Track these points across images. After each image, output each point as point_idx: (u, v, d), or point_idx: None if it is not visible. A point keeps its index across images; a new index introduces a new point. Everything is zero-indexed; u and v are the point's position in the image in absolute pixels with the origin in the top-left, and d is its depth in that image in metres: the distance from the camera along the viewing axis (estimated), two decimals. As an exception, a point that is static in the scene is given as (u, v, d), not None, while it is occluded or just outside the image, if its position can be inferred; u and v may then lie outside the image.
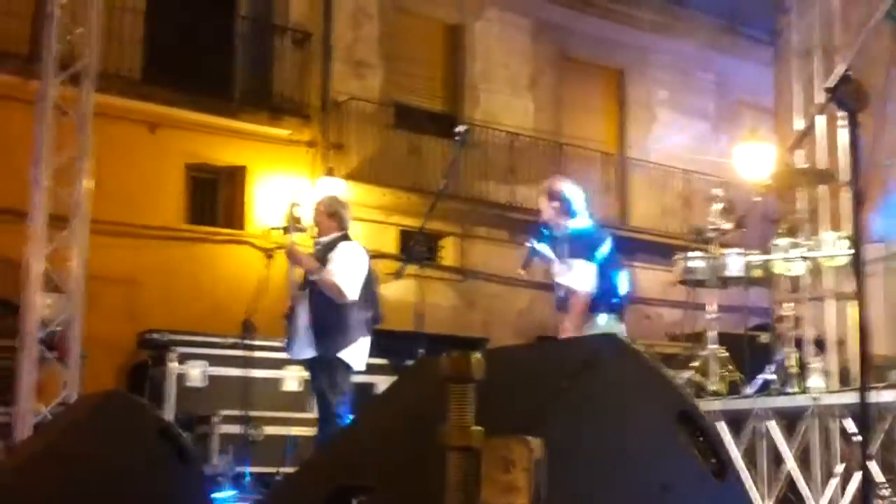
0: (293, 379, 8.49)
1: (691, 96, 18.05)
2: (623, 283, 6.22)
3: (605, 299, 6.03)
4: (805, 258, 6.53)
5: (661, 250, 14.63)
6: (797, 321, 7.04)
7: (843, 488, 5.74)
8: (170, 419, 5.26)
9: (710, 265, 6.92)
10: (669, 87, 18.10)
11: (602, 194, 17.08)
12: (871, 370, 2.91)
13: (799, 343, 6.98)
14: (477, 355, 2.01)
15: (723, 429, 5.98)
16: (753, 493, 5.69)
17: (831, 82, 2.75)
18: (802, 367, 6.41)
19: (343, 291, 6.15)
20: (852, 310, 6.77)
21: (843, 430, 5.91)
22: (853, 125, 2.74)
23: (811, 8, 8.24)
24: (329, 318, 6.17)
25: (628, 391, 2.43)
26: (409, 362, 7.83)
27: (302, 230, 6.73)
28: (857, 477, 5.44)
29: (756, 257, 6.80)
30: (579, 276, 5.91)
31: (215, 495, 6.37)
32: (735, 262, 6.89)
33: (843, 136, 6.84)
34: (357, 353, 6.25)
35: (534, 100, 16.92)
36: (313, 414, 6.87)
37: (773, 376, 6.48)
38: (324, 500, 2.52)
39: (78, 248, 7.76)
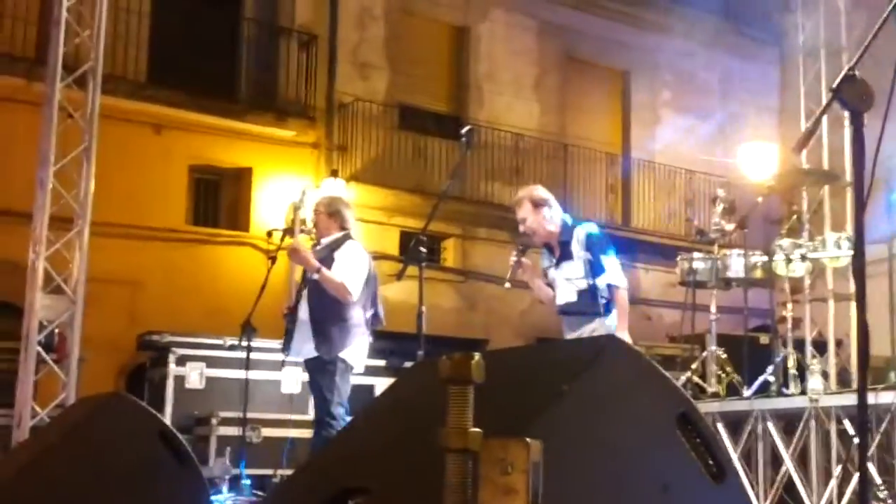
0: (292, 381, 8.48)
1: (696, 97, 18.01)
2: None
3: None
4: (806, 258, 6.53)
5: (663, 251, 14.63)
6: (797, 322, 7.04)
7: (841, 490, 5.73)
8: (168, 421, 5.25)
9: (713, 266, 6.92)
10: (674, 88, 18.07)
11: (606, 195, 17.10)
12: (868, 371, 2.89)
13: (799, 344, 6.97)
14: (476, 357, 2.01)
15: (721, 430, 5.98)
16: (751, 495, 5.68)
17: (836, 82, 2.73)
18: (802, 368, 6.40)
19: (349, 290, 6.14)
20: (853, 311, 6.76)
21: (842, 432, 5.90)
22: (857, 125, 2.72)
23: (816, 8, 8.24)
24: (330, 318, 6.16)
25: (628, 393, 2.43)
26: (409, 363, 7.83)
27: (308, 231, 6.71)
28: (855, 478, 5.43)
29: (758, 258, 6.80)
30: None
31: (213, 497, 6.36)
32: (737, 263, 6.89)
33: (848, 137, 6.83)
34: (357, 354, 6.25)
35: (539, 101, 16.89)
36: (312, 416, 6.86)
37: (773, 378, 6.48)
38: (323, 503, 2.52)
39: (80, 249, 7.75)
